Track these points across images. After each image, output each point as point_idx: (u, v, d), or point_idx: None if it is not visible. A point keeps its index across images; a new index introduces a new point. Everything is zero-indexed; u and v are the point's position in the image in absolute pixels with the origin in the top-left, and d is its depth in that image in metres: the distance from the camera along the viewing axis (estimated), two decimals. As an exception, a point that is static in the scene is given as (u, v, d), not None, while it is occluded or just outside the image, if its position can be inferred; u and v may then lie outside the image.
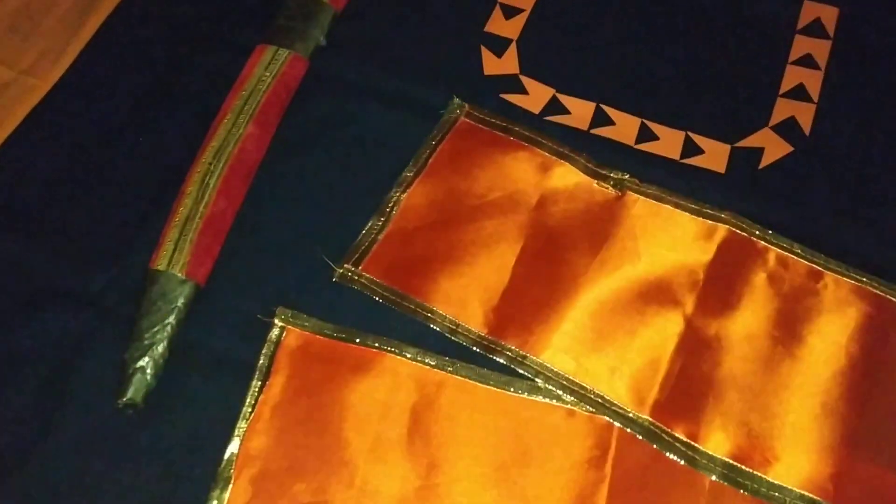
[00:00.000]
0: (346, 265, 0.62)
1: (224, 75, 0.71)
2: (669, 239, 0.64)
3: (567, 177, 0.67)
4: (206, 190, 0.63)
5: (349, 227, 0.64)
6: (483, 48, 0.74)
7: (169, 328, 0.58)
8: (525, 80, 0.72)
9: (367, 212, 0.65)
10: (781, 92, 0.72)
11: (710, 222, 0.64)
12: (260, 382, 0.57)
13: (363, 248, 0.63)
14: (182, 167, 0.66)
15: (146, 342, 0.57)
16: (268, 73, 0.70)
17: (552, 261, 0.63)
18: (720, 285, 0.62)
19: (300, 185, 0.67)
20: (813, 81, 0.72)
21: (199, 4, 0.76)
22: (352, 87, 0.71)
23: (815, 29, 0.75)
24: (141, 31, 0.75)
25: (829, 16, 0.76)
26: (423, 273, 0.62)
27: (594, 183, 0.66)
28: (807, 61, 0.73)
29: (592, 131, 0.70)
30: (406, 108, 0.70)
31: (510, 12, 0.76)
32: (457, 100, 0.70)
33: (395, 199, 0.65)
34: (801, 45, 0.74)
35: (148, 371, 0.57)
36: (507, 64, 0.73)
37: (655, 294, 0.61)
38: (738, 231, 0.64)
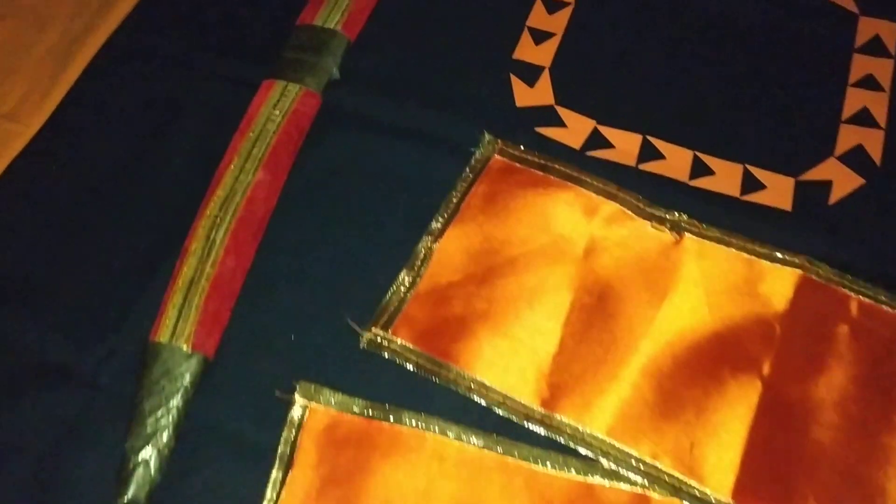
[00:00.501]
0: (373, 329, 0.55)
1: (228, 115, 0.64)
2: (737, 287, 0.57)
3: (617, 219, 0.59)
4: (212, 247, 0.56)
5: (375, 284, 0.57)
6: (513, 77, 0.67)
7: (175, 412, 0.50)
8: (562, 112, 0.65)
9: (395, 266, 0.58)
10: (844, 118, 0.65)
11: (782, 267, 0.57)
12: (282, 473, 0.50)
13: (392, 308, 0.56)
14: (184, 221, 0.58)
15: (149, 429, 0.50)
16: (277, 112, 0.62)
17: (607, 317, 0.56)
18: (799, 340, 0.55)
19: (318, 237, 0.59)
20: (878, 104, 0.65)
21: (198, 36, 0.69)
22: (370, 123, 0.64)
23: (875, 47, 0.68)
24: (133, 68, 0.67)
25: (889, 32, 0.69)
26: (461, 336, 0.55)
27: (648, 225, 0.59)
28: (868, 83, 0.67)
29: (641, 167, 0.62)
30: (432, 146, 0.63)
31: (540, 37, 0.69)
32: (488, 136, 0.63)
33: (425, 250, 0.58)
34: (861, 66, 0.67)
35: (152, 464, 0.49)
36: (541, 94, 0.66)
37: (728, 353, 0.54)
38: (813, 277, 0.57)
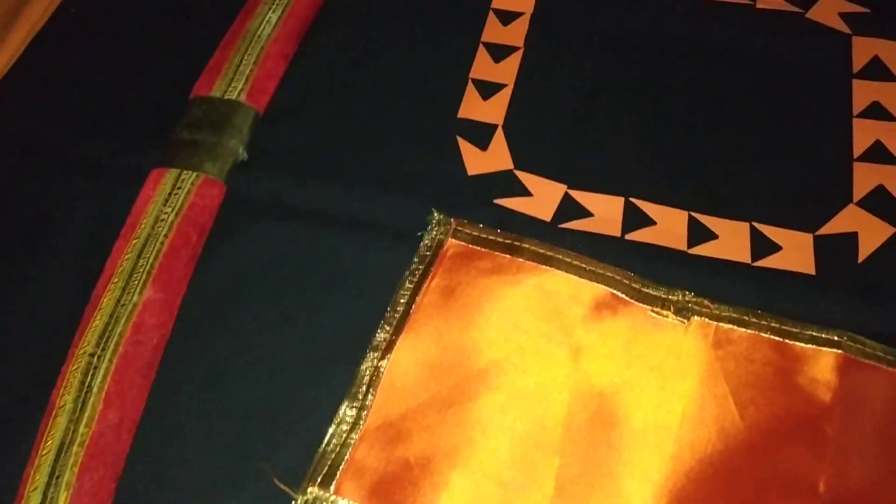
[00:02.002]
0: (310, 488, 0.41)
1: (108, 216, 0.51)
2: (768, 380, 0.45)
3: (609, 306, 0.47)
4: (88, 398, 0.42)
5: (310, 423, 0.43)
6: (461, 140, 0.55)
7: None
8: (524, 177, 0.53)
9: (334, 396, 0.44)
10: (857, 154, 0.55)
11: (818, 348, 0.46)
12: None
13: (333, 455, 0.43)
14: (51, 363, 0.44)
15: None
16: (168, 209, 0.50)
17: (611, 438, 0.43)
18: (856, 441, 0.43)
19: (230, 367, 0.46)
20: (891, 135, 0.55)
21: (70, 121, 0.56)
22: (290, 212, 0.52)
23: (876, 70, 0.58)
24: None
25: (889, 51, 0.59)
26: (426, 485, 0.41)
27: (648, 310, 0.47)
28: (876, 111, 0.57)
29: (628, 237, 0.51)
30: (370, 234, 0.51)
31: (488, 90, 0.58)
32: (438, 215, 0.51)
33: (371, 371, 0.45)
34: (864, 93, 0.58)
35: None
36: (496, 158, 0.55)
37: (770, 472, 0.42)
38: (857, 356, 0.45)
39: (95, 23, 0.61)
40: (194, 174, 0.51)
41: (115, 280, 0.46)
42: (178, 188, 0.50)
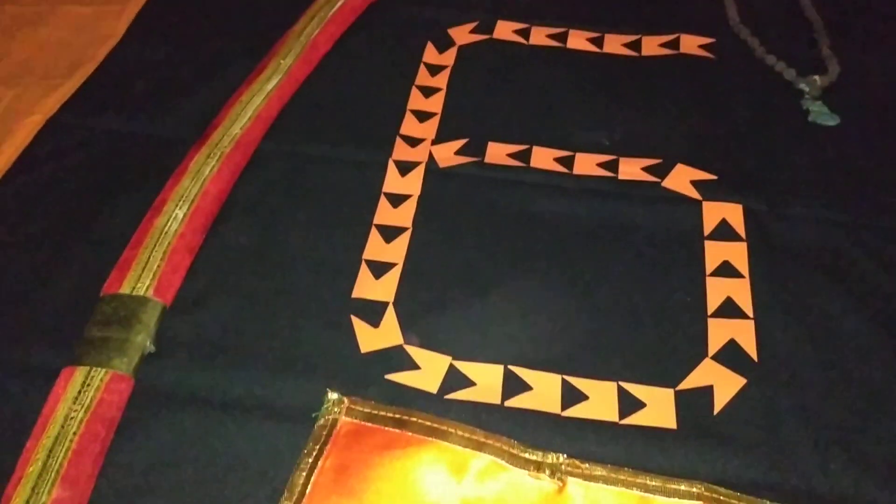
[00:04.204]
0: None
1: (20, 415, 0.54)
2: (637, 535, 0.49)
3: (491, 473, 0.52)
4: None
5: None
6: (355, 319, 0.60)
7: None
8: (413, 351, 0.58)
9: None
10: (710, 311, 0.61)
11: (680, 500, 0.50)
12: None
13: None
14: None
15: None
16: (78, 406, 0.53)
17: None
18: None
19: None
20: (741, 293, 0.62)
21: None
22: (193, 400, 0.56)
23: (725, 231, 0.66)
24: None
25: (734, 214, 0.67)
26: None
27: (526, 475, 0.51)
28: (727, 270, 0.64)
29: (507, 403, 0.56)
30: (269, 417, 0.55)
31: (379, 269, 0.63)
32: (332, 394, 0.55)
33: (269, 554, 0.48)
34: (715, 253, 0.65)
35: None
36: (387, 334, 0.60)
37: None
38: (715, 505, 0.50)
39: (8, 230, 0.65)
40: (103, 370, 0.54)
41: (25, 482, 0.49)
42: (88, 385, 0.54)
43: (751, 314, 0.60)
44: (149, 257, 0.61)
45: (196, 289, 0.61)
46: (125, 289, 0.59)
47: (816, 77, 0.78)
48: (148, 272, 0.60)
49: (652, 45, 0.82)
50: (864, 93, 0.78)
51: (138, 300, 0.58)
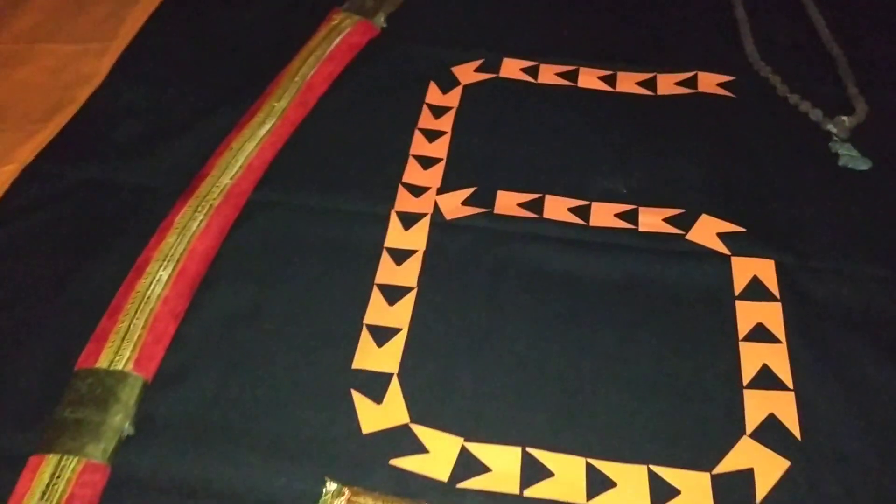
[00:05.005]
0: None
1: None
2: None
3: (509, 578, 0.46)
4: None
5: None
6: (355, 394, 0.54)
7: None
8: (420, 431, 0.53)
9: None
10: (746, 382, 0.56)
11: None
12: None
13: None
14: None
15: None
16: (46, 502, 0.47)
17: None
18: None
19: None
20: (778, 360, 0.57)
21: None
22: (173, 489, 0.50)
23: (757, 290, 0.61)
24: None
25: (767, 270, 0.62)
26: None
27: (548, 579, 0.45)
28: (761, 334, 0.58)
29: (527, 493, 0.50)
30: (261, 510, 0.48)
31: (382, 336, 0.58)
32: (331, 484, 0.50)
33: None
34: (748, 314, 0.59)
35: None
36: (392, 411, 0.54)
37: None
38: None
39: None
40: (75, 459, 0.49)
41: None
42: (58, 477, 0.48)
43: (790, 385, 0.55)
44: (129, 326, 0.55)
45: (180, 361, 0.56)
46: (102, 362, 0.53)
47: (845, 118, 0.73)
48: (128, 343, 0.54)
49: (668, 84, 0.77)
50: (895, 133, 0.73)
51: (116, 376, 0.53)
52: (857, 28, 0.82)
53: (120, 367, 0.53)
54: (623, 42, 0.81)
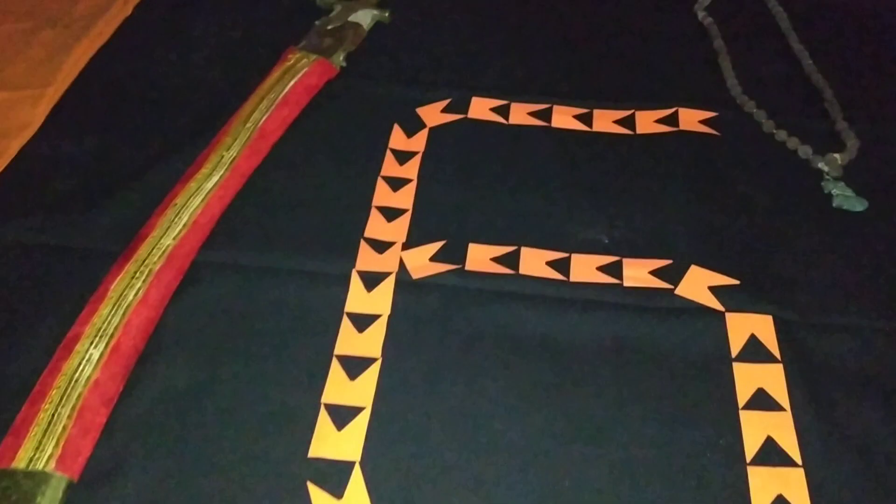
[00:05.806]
0: None
1: None
2: None
3: None
4: None
5: None
6: (311, 487, 0.48)
7: None
8: (387, 531, 0.46)
9: None
10: (749, 458, 0.50)
11: None
12: None
13: None
14: None
15: None
16: None
17: None
18: None
19: None
20: (783, 431, 0.52)
21: None
22: None
23: (755, 350, 0.55)
24: None
25: (764, 327, 0.57)
26: None
27: None
28: (763, 401, 0.53)
29: None
30: None
31: (343, 417, 0.51)
32: None
33: None
34: (747, 379, 0.54)
35: None
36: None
37: None
38: None
39: None
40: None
41: None
42: None
43: (798, 460, 0.50)
44: (53, 416, 0.48)
45: (112, 453, 0.49)
46: (20, 461, 0.46)
47: (837, 155, 0.68)
48: (51, 437, 0.47)
49: (647, 122, 0.72)
50: (889, 169, 0.68)
51: (37, 478, 0.46)
52: (840, 58, 0.78)
53: (40, 465, 0.46)
54: (597, 77, 0.77)
